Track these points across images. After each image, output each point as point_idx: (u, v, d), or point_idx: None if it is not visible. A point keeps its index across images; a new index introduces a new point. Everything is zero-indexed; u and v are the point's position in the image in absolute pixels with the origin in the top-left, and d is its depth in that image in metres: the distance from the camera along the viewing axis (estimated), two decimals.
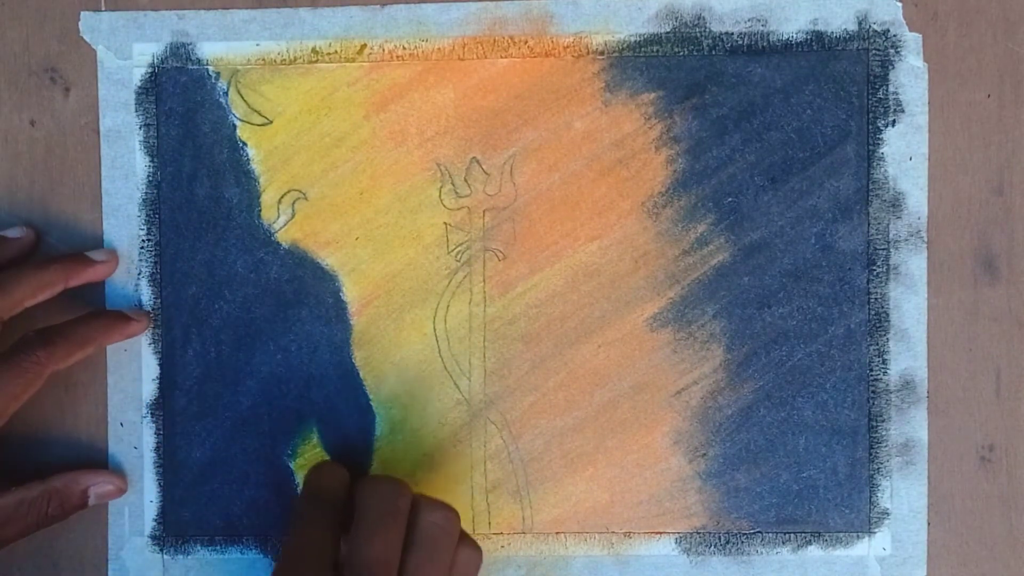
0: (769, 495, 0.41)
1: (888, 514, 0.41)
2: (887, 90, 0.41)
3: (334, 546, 0.36)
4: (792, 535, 0.41)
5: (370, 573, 0.34)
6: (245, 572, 0.42)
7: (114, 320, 0.40)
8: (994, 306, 0.41)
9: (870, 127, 0.41)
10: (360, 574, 0.34)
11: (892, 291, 0.41)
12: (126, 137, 0.42)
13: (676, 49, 0.41)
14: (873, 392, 0.41)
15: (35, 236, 0.41)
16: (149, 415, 0.42)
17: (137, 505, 0.42)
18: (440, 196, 0.42)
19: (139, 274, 0.42)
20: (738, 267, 0.41)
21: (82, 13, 0.42)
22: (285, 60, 0.42)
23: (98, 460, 0.42)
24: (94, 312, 0.41)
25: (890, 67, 0.41)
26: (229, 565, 0.42)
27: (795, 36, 0.41)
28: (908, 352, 0.41)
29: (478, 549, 0.38)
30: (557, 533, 0.42)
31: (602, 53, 0.41)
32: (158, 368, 0.42)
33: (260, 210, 0.42)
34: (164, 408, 0.42)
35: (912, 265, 0.41)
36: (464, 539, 0.37)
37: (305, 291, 0.42)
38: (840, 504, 0.41)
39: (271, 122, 0.42)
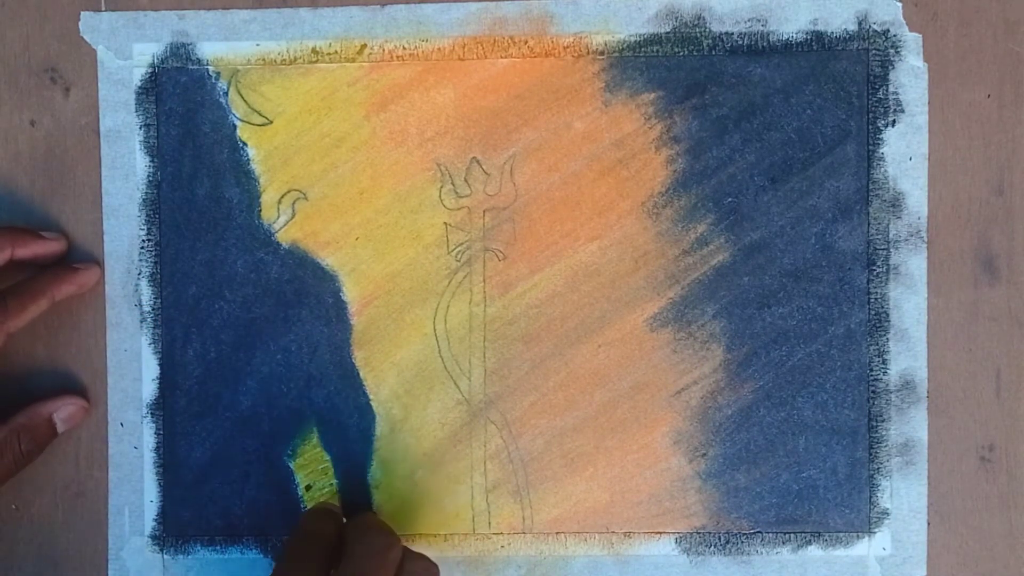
0: (769, 495, 0.41)
1: (888, 514, 0.41)
2: (887, 90, 0.41)
3: None
4: (792, 535, 0.41)
5: None
6: (245, 572, 0.42)
7: (63, 271, 0.40)
8: (994, 306, 0.41)
9: (870, 127, 0.41)
10: None
11: (892, 291, 0.41)
12: (126, 137, 0.42)
13: (676, 49, 0.41)
14: (873, 392, 0.41)
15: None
16: (149, 415, 0.42)
17: (137, 505, 0.42)
18: (440, 196, 0.42)
19: (139, 274, 0.42)
20: (738, 267, 0.41)
21: (82, 13, 0.42)
22: (285, 60, 0.42)
23: (98, 460, 0.42)
24: (41, 269, 0.41)
25: (890, 67, 0.41)
26: (229, 565, 0.42)
27: (795, 36, 0.41)
28: (908, 352, 0.41)
29: None
30: (557, 533, 0.42)
31: (602, 53, 0.41)
32: (158, 368, 0.42)
33: (260, 210, 0.42)
34: (164, 408, 0.42)
35: (912, 265, 0.41)
36: None
37: (305, 291, 0.42)
38: (840, 504, 0.41)
39: (271, 122, 0.42)
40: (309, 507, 0.42)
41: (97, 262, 0.42)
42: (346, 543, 0.36)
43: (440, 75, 0.42)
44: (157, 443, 0.42)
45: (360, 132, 0.42)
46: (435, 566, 0.37)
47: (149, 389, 0.42)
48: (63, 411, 0.41)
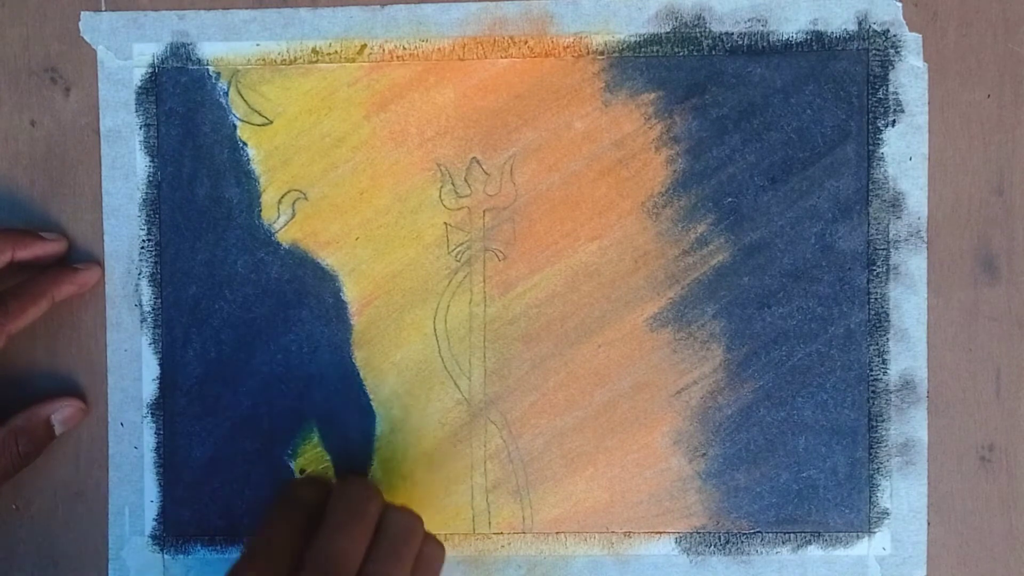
0: (769, 495, 0.41)
1: (888, 514, 0.41)
2: (887, 90, 0.41)
3: (299, 542, 0.35)
4: (792, 535, 0.41)
5: (331, 565, 0.34)
6: None
7: (63, 271, 0.40)
8: (994, 306, 0.41)
9: (870, 127, 0.41)
10: (321, 566, 0.34)
11: (892, 291, 0.41)
12: (126, 137, 0.42)
13: (676, 49, 0.41)
14: (873, 392, 0.41)
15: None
16: (149, 415, 0.42)
17: (137, 505, 0.42)
18: (440, 196, 0.42)
19: (139, 274, 0.42)
20: (738, 267, 0.41)
21: (82, 13, 0.42)
22: (285, 60, 0.42)
23: (98, 460, 0.42)
24: (42, 270, 0.41)
25: (890, 67, 0.41)
26: (229, 565, 0.42)
27: (795, 36, 0.41)
28: (908, 352, 0.41)
29: (442, 546, 0.38)
30: (557, 533, 0.42)
31: (602, 53, 0.41)
32: (158, 368, 0.42)
33: (260, 210, 0.42)
34: (164, 408, 0.42)
35: (912, 265, 0.41)
36: (428, 537, 0.38)
37: (305, 291, 0.42)
38: (840, 504, 0.41)
39: (271, 122, 0.42)
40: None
41: (97, 262, 0.42)
42: (327, 503, 0.36)
43: (440, 75, 0.42)
44: (157, 443, 0.42)
45: (360, 132, 0.42)
46: (418, 518, 0.37)
47: (149, 389, 0.42)
48: (61, 413, 0.41)
